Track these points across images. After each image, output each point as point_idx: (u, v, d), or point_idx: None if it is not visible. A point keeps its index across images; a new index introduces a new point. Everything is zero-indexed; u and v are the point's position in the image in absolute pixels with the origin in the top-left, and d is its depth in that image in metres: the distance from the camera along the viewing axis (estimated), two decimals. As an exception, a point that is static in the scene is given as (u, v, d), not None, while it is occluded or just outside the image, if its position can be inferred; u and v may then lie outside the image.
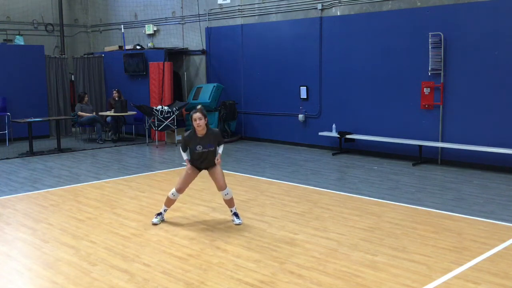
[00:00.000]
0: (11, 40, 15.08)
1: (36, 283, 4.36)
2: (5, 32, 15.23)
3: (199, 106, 5.82)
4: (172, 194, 5.90)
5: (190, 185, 7.90)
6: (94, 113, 13.16)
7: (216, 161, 5.85)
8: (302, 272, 4.48)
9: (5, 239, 5.50)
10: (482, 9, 8.87)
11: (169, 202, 5.99)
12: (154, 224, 5.90)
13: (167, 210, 6.06)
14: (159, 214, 6.01)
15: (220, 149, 5.91)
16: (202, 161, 5.86)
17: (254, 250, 5.03)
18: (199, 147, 5.75)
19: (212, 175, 5.92)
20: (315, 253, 4.94)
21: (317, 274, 4.42)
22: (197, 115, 5.61)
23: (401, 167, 9.29)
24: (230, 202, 5.96)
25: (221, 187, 5.85)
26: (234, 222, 5.91)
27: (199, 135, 5.72)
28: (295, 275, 4.42)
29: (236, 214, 5.98)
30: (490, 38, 8.79)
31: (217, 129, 6.01)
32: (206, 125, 5.72)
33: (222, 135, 5.97)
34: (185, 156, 5.94)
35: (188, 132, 5.85)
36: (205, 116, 5.66)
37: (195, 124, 5.63)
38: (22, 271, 4.61)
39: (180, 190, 5.90)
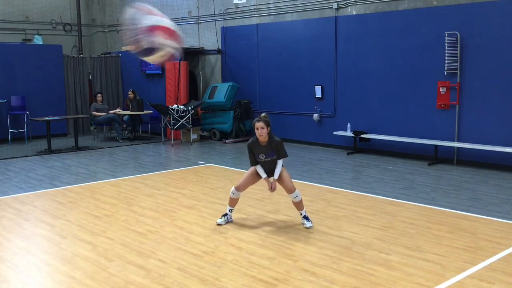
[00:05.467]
0: (30, 40, 15.32)
1: (54, 278, 4.46)
2: (24, 32, 15.47)
3: (263, 114, 5.66)
4: (232, 192, 5.78)
5: (204, 184, 8.00)
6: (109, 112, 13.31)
7: (269, 188, 5.69)
8: (316, 270, 4.51)
9: (25, 235, 5.62)
10: (498, 8, 8.80)
11: (232, 202, 5.84)
12: (219, 225, 5.79)
13: (233, 210, 5.92)
14: (225, 214, 5.88)
15: (278, 167, 5.61)
16: (267, 169, 5.73)
17: (268, 248, 5.08)
18: (262, 156, 5.65)
19: (279, 179, 5.72)
20: (328, 251, 4.97)
21: (330, 272, 4.45)
22: (259, 124, 5.51)
23: (417, 167, 9.26)
24: (299, 205, 5.75)
25: (289, 190, 5.67)
26: (304, 226, 5.71)
27: (262, 144, 5.62)
28: (309, 272, 4.45)
29: (306, 218, 5.75)
30: (507, 38, 8.71)
31: (278, 139, 5.67)
32: (269, 134, 5.58)
33: (283, 146, 5.64)
34: (262, 173, 5.70)
35: (251, 139, 5.74)
36: (267, 125, 5.53)
37: (257, 132, 5.54)
38: (41, 266, 4.71)
39: (239, 188, 5.75)
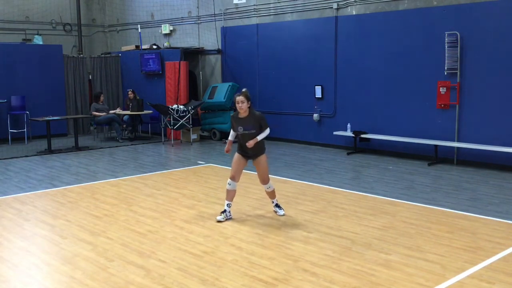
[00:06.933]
0: (30, 40, 15.32)
1: (54, 277, 4.46)
2: (24, 32, 15.47)
3: (244, 89, 5.96)
4: (228, 183, 5.97)
5: (204, 184, 8.00)
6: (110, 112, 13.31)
7: (247, 143, 5.83)
8: (316, 270, 4.51)
9: (25, 235, 5.62)
10: (498, 8, 8.80)
11: (229, 194, 6.00)
12: (219, 221, 5.89)
13: (231, 205, 6.07)
14: (223, 211, 6.02)
15: (262, 135, 5.86)
16: (244, 144, 5.89)
17: (268, 248, 5.08)
18: (240, 128, 5.89)
19: (257, 167, 6.06)
20: (328, 251, 4.97)
21: (330, 272, 4.45)
22: (239, 98, 5.80)
23: (417, 167, 9.26)
24: (271, 194, 6.20)
25: (264, 181, 6.03)
26: (277, 213, 6.20)
27: (241, 117, 5.88)
28: (309, 272, 4.45)
29: (278, 206, 6.24)
30: (507, 38, 8.71)
31: (259, 113, 5.99)
32: (249, 108, 5.85)
33: (264, 119, 5.94)
34: (230, 136, 6.07)
35: (234, 112, 6.02)
36: (248, 100, 5.81)
37: (237, 106, 5.81)
38: (41, 266, 4.71)
39: (234, 178, 5.98)
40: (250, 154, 5.99)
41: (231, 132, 6.08)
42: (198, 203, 6.84)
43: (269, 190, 6.13)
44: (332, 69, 11.30)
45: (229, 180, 5.99)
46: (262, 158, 6.01)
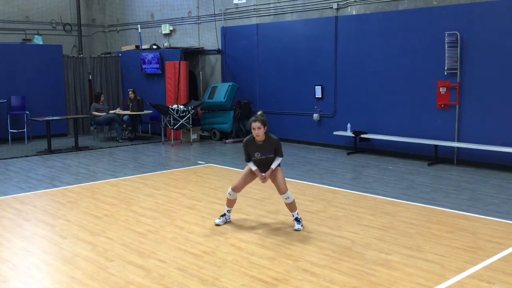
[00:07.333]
0: (30, 40, 15.33)
1: (54, 278, 4.46)
2: (24, 32, 15.48)
3: (259, 113, 5.64)
4: (229, 193, 5.79)
5: (204, 184, 8.00)
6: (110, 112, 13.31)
7: (262, 178, 5.65)
8: (316, 270, 4.51)
9: (25, 235, 5.62)
10: (498, 8, 8.80)
11: (229, 202, 5.85)
12: (217, 225, 5.79)
13: (231, 211, 5.93)
14: (223, 215, 5.90)
15: (276, 163, 5.66)
16: (262, 166, 5.74)
17: (268, 248, 5.08)
18: (257, 154, 5.64)
19: (273, 178, 5.72)
20: (328, 251, 4.97)
21: (330, 272, 4.45)
22: (256, 124, 5.47)
23: (417, 167, 9.26)
24: (291, 206, 5.70)
25: (281, 190, 5.63)
26: (294, 227, 5.65)
27: (258, 142, 5.61)
28: (309, 272, 4.45)
29: (297, 220, 5.70)
30: (507, 38, 8.71)
31: (275, 137, 5.71)
32: (265, 133, 5.56)
33: (280, 146, 5.69)
34: (252, 166, 5.72)
35: (248, 137, 5.71)
36: (264, 125, 5.50)
37: (253, 132, 5.52)
38: (41, 266, 4.71)
39: (236, 189, 5.76)
40: (265, 170, 5.75)
41: (250, 163, 5.73)
42: (198, 203, 6.84)
43: (288, 201, 5.63)
44: (332, 69, 11.30)
45: (230, 190, 5.78)
46: (278, 168, 5.72)
